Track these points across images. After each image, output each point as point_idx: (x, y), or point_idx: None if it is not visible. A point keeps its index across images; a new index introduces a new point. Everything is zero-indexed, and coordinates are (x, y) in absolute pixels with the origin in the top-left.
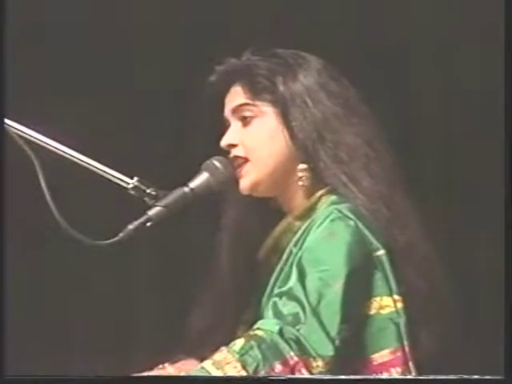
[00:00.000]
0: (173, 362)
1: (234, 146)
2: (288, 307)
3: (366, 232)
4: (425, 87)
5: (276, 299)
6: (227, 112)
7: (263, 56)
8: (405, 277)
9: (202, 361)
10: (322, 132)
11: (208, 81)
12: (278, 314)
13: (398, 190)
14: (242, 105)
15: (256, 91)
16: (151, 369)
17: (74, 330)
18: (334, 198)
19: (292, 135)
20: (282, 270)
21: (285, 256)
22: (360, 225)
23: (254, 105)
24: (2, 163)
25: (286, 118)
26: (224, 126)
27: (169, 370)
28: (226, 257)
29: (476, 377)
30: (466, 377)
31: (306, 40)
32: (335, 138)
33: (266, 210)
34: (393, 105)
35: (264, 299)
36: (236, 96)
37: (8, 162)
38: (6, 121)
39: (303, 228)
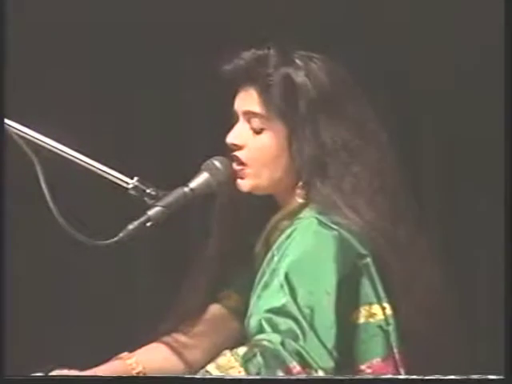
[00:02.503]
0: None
1: (238, 147)
2: (284, 324)
3: (351, 240)
4: (425, 88)
5: (270, 315)
6: (238, 108)
7: (282, 62)
8: (398, 280)
9: (173, 349)
10: (326, 159)
11: (222, 71)
12: (275, 330)
13: (402, 226)
14: (255, 114)
15: (271, 107)
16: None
17: (73, 329)
18: (318, 205)
19: (296, 155)
20: (263, 271)
21: (267, 257)
22: (344, 233)
23: (266, 118)
24: (2, 163)
25: (290, 140)
26: (229, 120)
27: (131, 360)
28: (218, 235)
29: (476, 377)
30: (466, 377)
31: (317, 40)
32: (342, 169)
33: (263, 205)
34: (393, 105)
35: (255, 286)
36: (250, 99)
37: (8, 162)
38: (6, 121)
39: (286, 233)
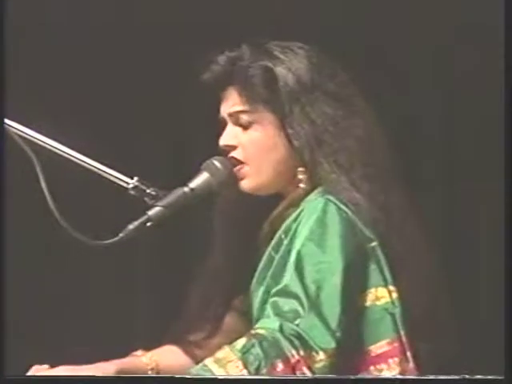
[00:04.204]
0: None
1: (232, 147)
2: (287, 305)
3: (359, 223)
4: (425, 89)
5: (275, 298)
6: (223, 113)
7: (257, 55)
8: (399, 275)
9: (187, 351)
10: (321, 137)
11: (202, 79)
12: (278, 312)
13: (395, 194)
14: (239, 112)
15: (253, 99)
16: (126, 354)
17: (74, 329)
18: (326, 188)
19: (290, 142)
20: (271, 256)
21: (274, 241)
22: (352, 216)
23: (251, 111)
24: (2, 163)
25: (283, 125)
26: (220, 126)
27: (143, 358)
28: (221, 241)
29: (477, 377)
30: (466, 377)
31: (304, 36)
32: (334, 144)
33: (270, 198)
34: (393, 105)
35: (253, 284)
36: (232, 100)
37: (8, 161)
38: (6, 121)
39: (293, 216)
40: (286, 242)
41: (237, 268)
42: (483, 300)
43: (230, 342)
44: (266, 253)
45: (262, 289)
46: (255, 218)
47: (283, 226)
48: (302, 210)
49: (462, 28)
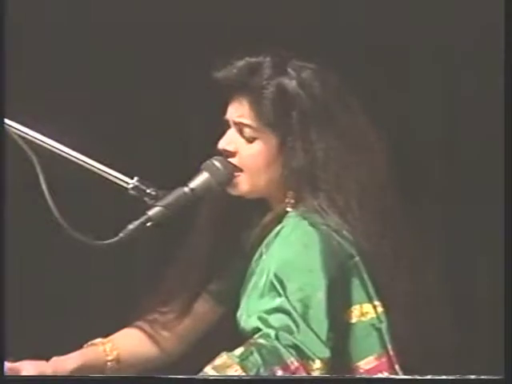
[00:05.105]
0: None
1: (230, 153)
2: (278, 320)
3: (340, 240)
4: (425, 87)
5: (265, 316)
6: (229, 117)
7: (275, 73)
8: (389, 280)
9: (151, 334)
10: (319, 175)
11: (215, 77)
12: (270, 327)
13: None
14: (245, 124)
15: (262, 118)
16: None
17: (74, 329)
18: (305, 208)
19: (286, 166)
20: (253, 270)
21: (257, 253)
22: (333, 234)
23: (257, 129)
24: (2, 163)
25: (284, 148)
26: (224, 127)
27: (101, 347)
28: (203, 228)
29: (475, 377)
30: (466, 377)
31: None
32: (332, 183)
33: (255, 205)
34: (393, 105)
35: (243, 285)
36: (242, 109)
37: (8, 162)
38: (6, 121)
39: (275, 232)
40: (264, 257)
41: (215, 253)
42: (483, 300)
43: (196, 327)
44: (252, 263)
45: (247, 294)
46: (241, 210)
47: (266, 239)
48: (282, 227)
49: (462, 28)
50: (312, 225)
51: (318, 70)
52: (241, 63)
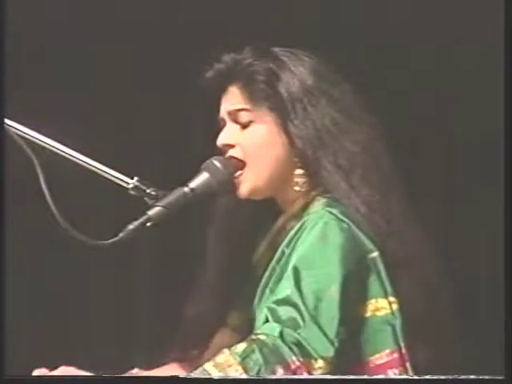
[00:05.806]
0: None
1: (230, 146)
2: (286, 313)
3: (360, 234)
4: (425, 87)
5: (274, 306)
6: (223, 112)
7: (261, 57)
8: (400, 281)
9: (185, 365)
10: (323, 138)
11: (205, 77)
12: (276, 320)
13: (395, 200)
14: (239, 110)
15: (255, 96)
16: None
17: (74, 329)
18: (327, 200)
19: (291, 142)
20: (274, 269)
21: (277, 255)
22: (353, 227)
23: (252, 110)
24: (2, 163)
25: (285, 124)
26: (219, 126)
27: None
28: (218, 252)
29: (475, 377)
30: (465, 377)
31: (305, 39)
32: (335, 145)
33: (264, 210)
34: (392, 106)
35: (256, 298)
36: (233, 98)
37: (8, 161)
38: (6, 121)
39: (296, 228)
40: (287, 253)
41: (230, 283)
42: (483, 300)
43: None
44: (270, 266)
45: (263, 301)
46: (248, 232)
47: (286, 239)
48: (303, 222)
49: (461, 28)
50: (333, 217)
51: (302, 53)
52: (227, 57)
